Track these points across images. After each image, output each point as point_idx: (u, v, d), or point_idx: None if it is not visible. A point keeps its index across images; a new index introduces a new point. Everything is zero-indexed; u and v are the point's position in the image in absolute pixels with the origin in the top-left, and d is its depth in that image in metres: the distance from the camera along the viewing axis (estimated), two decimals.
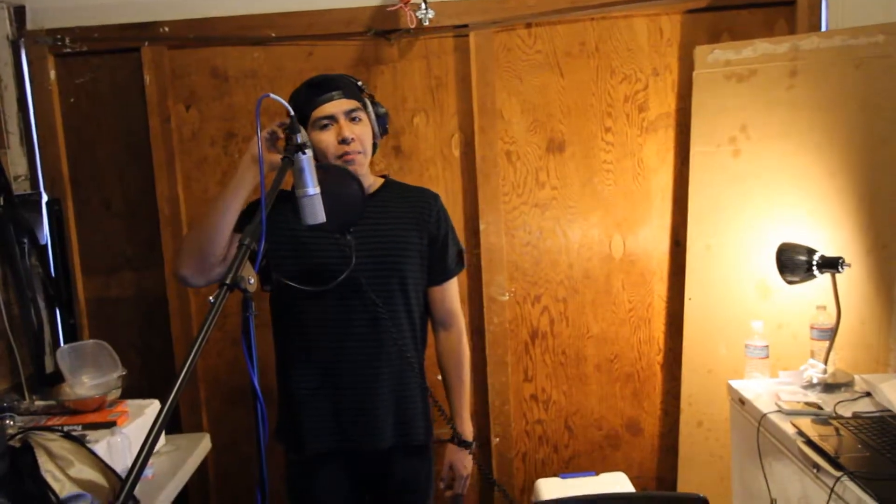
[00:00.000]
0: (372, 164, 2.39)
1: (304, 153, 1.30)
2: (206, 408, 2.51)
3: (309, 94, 1.56)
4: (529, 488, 2.51)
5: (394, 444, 1.65)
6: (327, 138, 1.55)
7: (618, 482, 2.30)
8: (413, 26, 2.24)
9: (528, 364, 2.51)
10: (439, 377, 1.87)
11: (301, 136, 1.31)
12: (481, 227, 2.42)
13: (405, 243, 1.65)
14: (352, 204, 1.47)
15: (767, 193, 2.23)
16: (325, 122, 1.55)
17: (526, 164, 2.44)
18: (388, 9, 2.27)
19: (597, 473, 2.39)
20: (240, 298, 1.08)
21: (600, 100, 2.42)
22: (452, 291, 1.75)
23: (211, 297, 1.02)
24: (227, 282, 1.03)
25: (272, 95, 1.27)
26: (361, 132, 1.58)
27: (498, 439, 2.49)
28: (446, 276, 1.73)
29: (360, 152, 1.57)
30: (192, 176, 2.44)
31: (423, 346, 1.75)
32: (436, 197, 1.73)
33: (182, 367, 0.94)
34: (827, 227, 2.14)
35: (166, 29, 2.34)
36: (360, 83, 1.64)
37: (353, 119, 1.57)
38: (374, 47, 2.38)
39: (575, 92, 2.41)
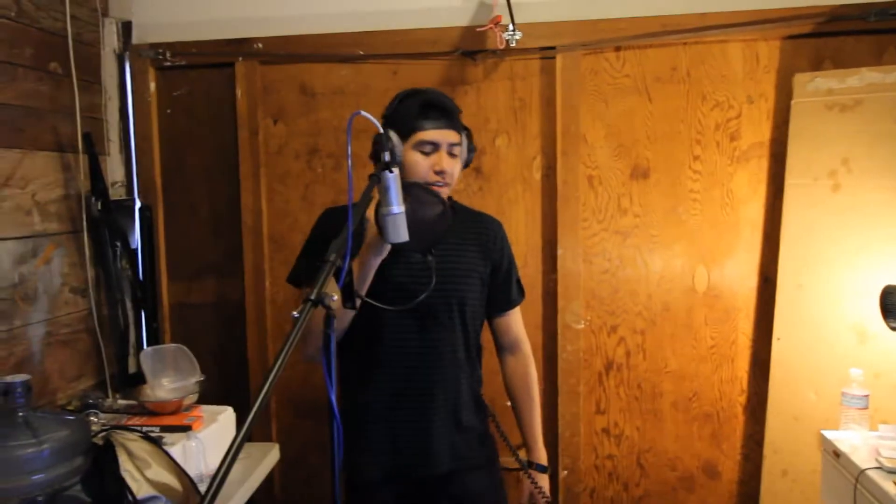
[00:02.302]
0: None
1: (391, 171, 1.29)
2: (276, 419, 2.55)
3: (421, 112, 1.54)
4: None
5: (452, 469, 1.63)
6: (423, 163, 1.54)
7: None
8: (501, 48, 2.23)
9: (600, 396, 2.43)
10: (509, 404, 1.84)
11: (389, 154, 1.30)
12: (559, 252, 2.37)
13: (469, 269, 1.65)
14: (435, 225, 1.45)
15: (869, 231, 2.09)
16: (428, 147, 1.54)
17: (608, 190, 2.38)
18: (476, 29, 2.27)
19: None
20: (321, 315, 1.08)
21: (690, 127, 2.33)
22: (517, 318, 1.78)
23: (295, 312, 1.02)
24: (312, 297, 1.03)
25: (363, 113, 1.27)
26: (454, 168, 1.58)
27: (566, 472, 2.41)
28: (511, 305, 1.74)
29: (446, 185, 1.58)
30: (276, 189, 2.50)
31: (477, 372, 1.72)
32: (500, 225, 1.74)
33: (265, 380, 0.94)
34: None
35: (260, 45, 2.41)
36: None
37: (451, 153, 1.57)
38: (460, 67, 2.38)
39: (663, 118, 2.34)
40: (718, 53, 2.30)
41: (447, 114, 1.55)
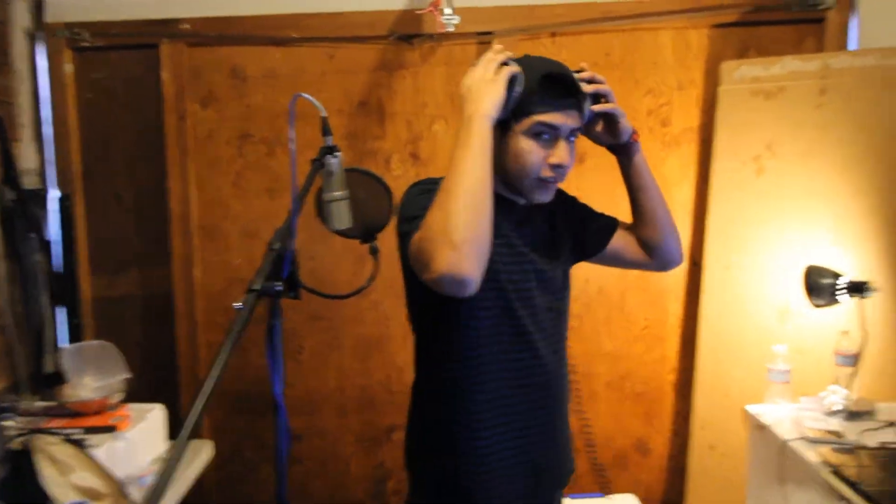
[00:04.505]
0: (391, 170, 2.38)
1: (334, 156, 1.25)
2: (209, 415, 2.46)
3: (544, 88, 1.20)
4: None
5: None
6: (538, 152, 1.23)
7: None
8: (439, 32, 2.21)
9: None
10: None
11: (332, 139, 1.25)
12: None
13: (562, 256, 1.43)
14: (379, 210, 1.42)
15: (791, 213, 2.20)
16: (547, 133, 1.23)
17: None
18: (415, 12, 2.24)
19: (605, 494, 2.34)
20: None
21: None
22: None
23: (237, 304, 0.97)
24: (256, 287, 0.98)
25: (305, 95, 1.22)
26: (572, 160, 1.27)
27: None
28: (617, 221, 1.54)
29: (559, 181, 1.29)
30: (205, 176, 2.40)
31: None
32: (560, 190, 1.40)
33: (207, 377, 0.89)
34: (853, 250, 2.10)
35: (187, 26, 2.30)
36: None
37: (570, 141, 1.26)
38: (396, 51, 2.34)
39: None
40: (650, 41, 2.35)
41: (574, 91, 1.23)
